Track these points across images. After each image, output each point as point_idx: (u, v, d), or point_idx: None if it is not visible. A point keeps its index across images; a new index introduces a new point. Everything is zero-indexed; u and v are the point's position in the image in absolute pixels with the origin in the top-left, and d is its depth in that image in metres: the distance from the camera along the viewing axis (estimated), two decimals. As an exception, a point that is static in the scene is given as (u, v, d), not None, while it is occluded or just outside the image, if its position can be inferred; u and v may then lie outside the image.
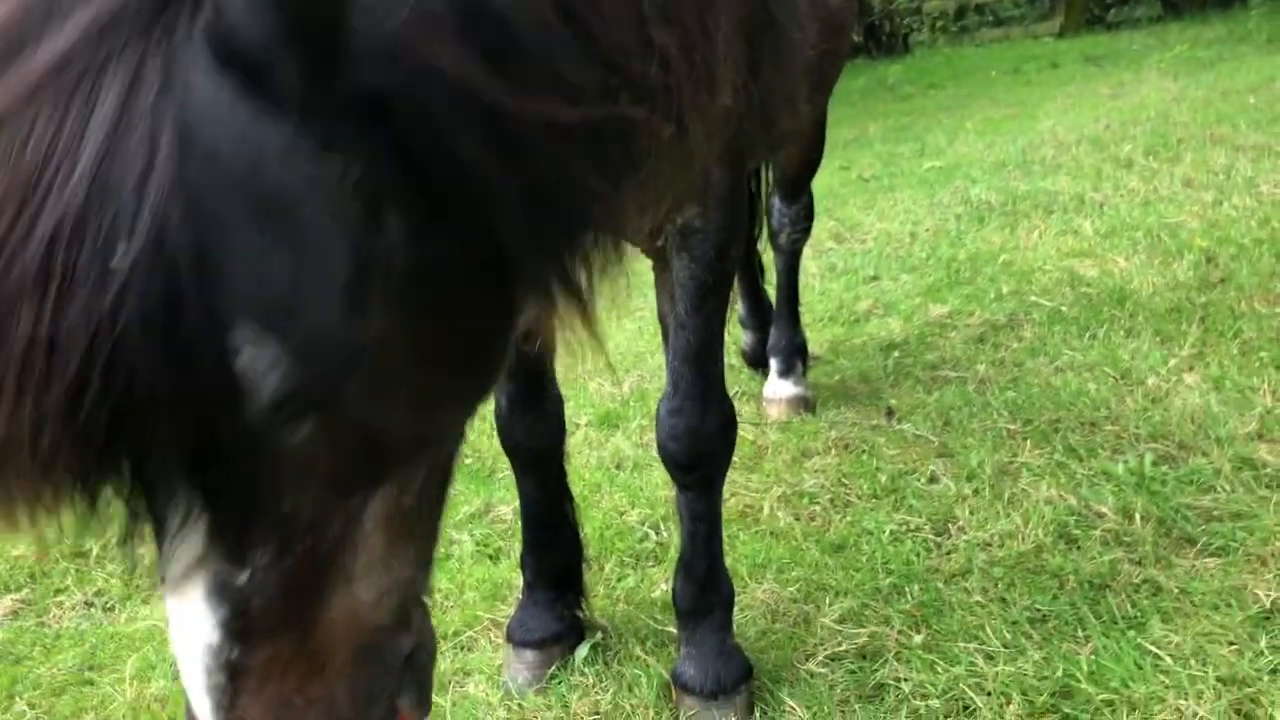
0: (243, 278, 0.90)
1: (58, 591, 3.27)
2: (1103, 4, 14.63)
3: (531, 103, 1.04)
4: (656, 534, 3.20)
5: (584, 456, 3.78)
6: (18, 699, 2.75)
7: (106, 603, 3.19)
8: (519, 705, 2.52)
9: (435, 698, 2.53)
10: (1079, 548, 2.86)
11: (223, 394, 0.92)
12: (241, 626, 1.08)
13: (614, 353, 4.80)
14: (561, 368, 2.67)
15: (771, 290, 4.34)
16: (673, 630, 2.63)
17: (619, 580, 3.01)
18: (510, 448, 2.61)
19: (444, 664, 2.68)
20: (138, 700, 2.68)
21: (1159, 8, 14.27)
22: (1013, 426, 3.58)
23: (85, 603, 3.20)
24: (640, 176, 1.41)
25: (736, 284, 4.28)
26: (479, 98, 0.99)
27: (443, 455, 1.28)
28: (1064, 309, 4.60)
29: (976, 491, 3.21)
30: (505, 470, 3.77)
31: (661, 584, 2.94)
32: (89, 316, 0.86)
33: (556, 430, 2.61)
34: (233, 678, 1.09)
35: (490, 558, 3.21)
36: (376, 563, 1.16)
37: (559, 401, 2.61)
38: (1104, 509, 2.98)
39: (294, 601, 1.09)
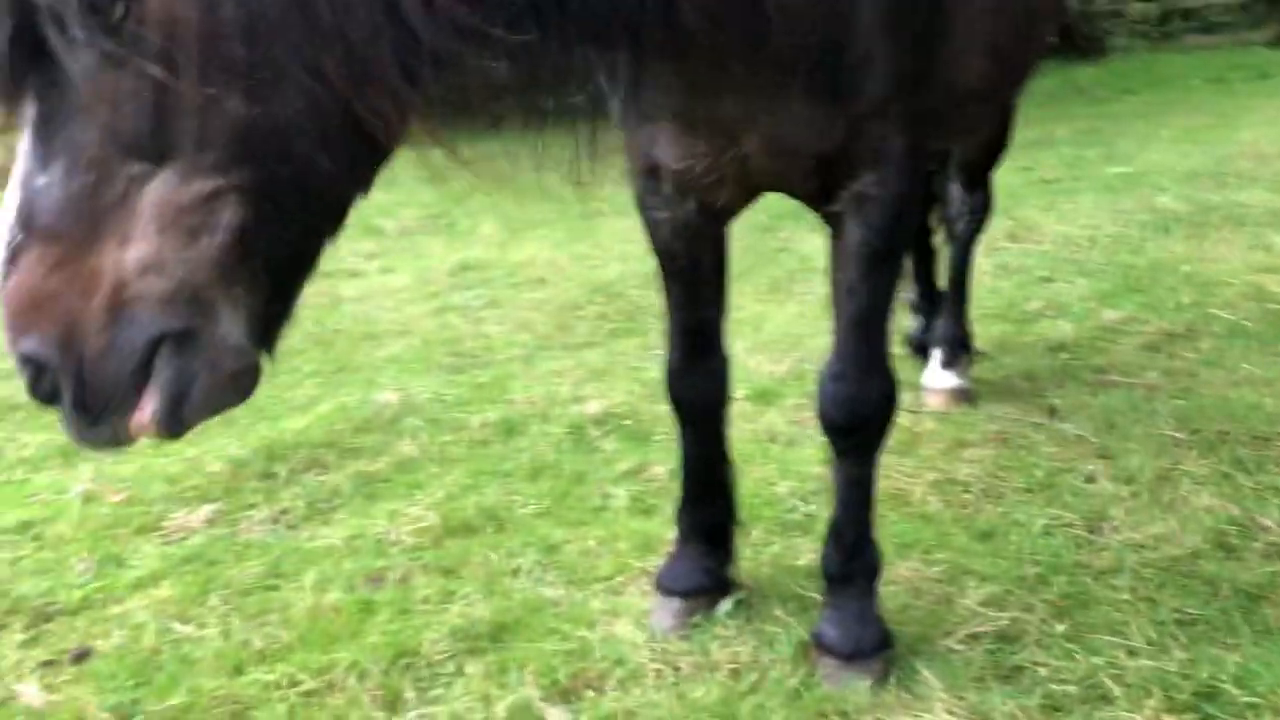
0: None
1: (248, 506, 3.57)
2: (1323, 14, 13.80)
3: None
4: (804, 505, 3.28)
5: (738, 429, 3.85)
6: (212, 595, 3.03)
7: (290, 520, 3.47)
8: (663, 648, 2.64)
9: (585, 633, 2.70)
10: (1237, 557, 2.81)
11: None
12: (26, 219, 1.40)
13: (773, 332, 4.88)
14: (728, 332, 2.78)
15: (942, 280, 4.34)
16: (815, 596, 2.71)
17: (765, 546, 3.10)
18: (675, 401, 2.73)
19: (595, 604, 2.83)
20: (315, 608, 2.92)
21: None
22: (1179, 435, 3.51)
23: (272, 519, 3.48)
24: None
25: (908, 266, 4.31)
26: None
27: (263, 188, 1.43)
28: (1247, 324, 4.45)
29: (1134, 494, 3.18)
30: (661, 433, 3.91)
31: (807, 553, 3.02)
32: None
33: (721, 390, 2.71)
34: (10, 255, 1.41)
35: (643, 513, 3.34)
36: (149, 238, 1.38)
37: (725, 362, 2.71)
38: (1269, 522, 2.91)
39: (71, 225, 1.38)
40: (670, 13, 1.69)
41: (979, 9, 2.34)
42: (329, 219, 1.55)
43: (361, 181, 1.57)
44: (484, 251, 7.04)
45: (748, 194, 2.47)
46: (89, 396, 1.44)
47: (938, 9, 2.10)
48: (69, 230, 1.39)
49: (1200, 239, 5.70)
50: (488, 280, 6.33)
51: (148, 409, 1.49)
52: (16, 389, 4.75)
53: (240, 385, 1.54)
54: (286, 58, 1.37)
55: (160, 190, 1.39)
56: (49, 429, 4.32)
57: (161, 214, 1.38)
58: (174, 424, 1.50)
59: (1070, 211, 6.65)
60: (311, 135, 1.42)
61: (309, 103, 1.40)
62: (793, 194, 2.43)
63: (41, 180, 1.40)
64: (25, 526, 3.48)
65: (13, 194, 1.43)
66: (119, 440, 1.52)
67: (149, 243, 1.39)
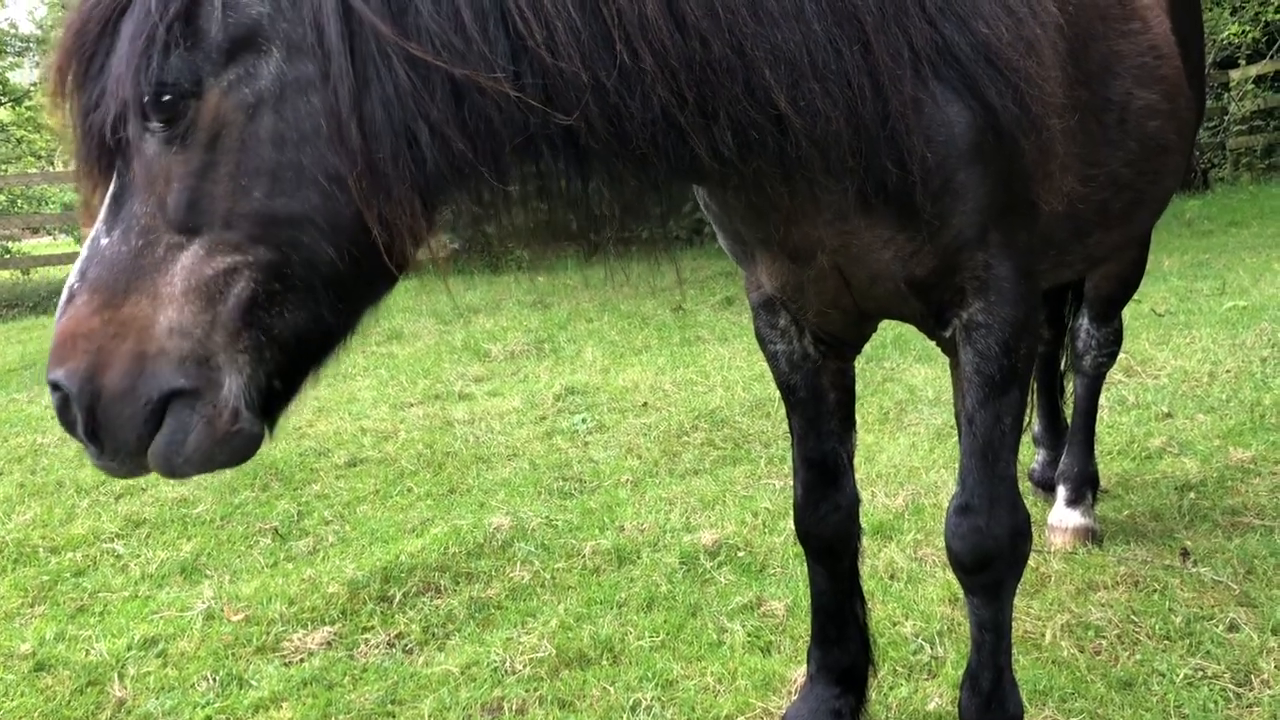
0: None
1: (364, 629, 3.59)
2: None
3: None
4: (931, 648, 3.18)
5: (856, 563, 3.80)
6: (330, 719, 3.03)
7: (406, 645, 3.47)
8: (790, 794, 2.55)
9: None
10: (1405, 720, 2.63)
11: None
12: (83, 267, 1.64)
13: (887, 465, 4.82)
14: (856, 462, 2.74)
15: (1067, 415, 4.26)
16: (947, 744, 2.61)
17: (891, 689, 3.01)
18: (802, 535, 2.70)
19: (717, 744, 2.76)
20: (433, 737, 2.90)
21: None
22: (1326, 583, 3.34)
23: (388, 643, 3.49)
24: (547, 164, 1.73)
25: (1034, 400, 4.23)
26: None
27: (277, 267, 1.62)
28: (1387, 466, 4.26)
29: (1284, 646, 3.02)
30: (777, 565, 3.86)
31: (935, 698, 2.92)
32: None
33: (849, 523, 2.67)
34: (67, 298, 1.65)
35: (761, 649, 3.27)
36: (175, 301, 1.59)
37: (854, 496, 2.67)
38: None
39: (117, 279, 1.60)
40: (682, 150, 1.75)
41: (1092, 140, 2.35)
42: (336, 312, 1.70)
43: (370, 282, 1.71)
44: (588, 376, 7.12)
45: (858, 323, 2.47)
46: (102, 432, 1.63)
47: (1039, 145, 2.08)
48: (114, 283, 1.62)
49: (1328, 376, 5.52)
50: (593, 405, 6.39)
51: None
52: (142, 504, 4.91)
53: (234, 446, 1.68)
54: (311, 164, 1.59)
55: (190, 259, 1.61)
56: (171, 545, 4.44)
57: (187, 280, 1.61)
58: (167, 467, 1.66)
59: (1186, 345, 6.50)
60: (323, 230, 1.62)
61: (324, 202, 1.61)
62: (905, 321, 2.43)
63: (105, 241, 1.65)
64: (150, 643, 3.54)
65: (83, 251, 1.69)
66: (130, 473, 1.70)
67: (175, 305, 1.61)
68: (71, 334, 1.61)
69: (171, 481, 5.23)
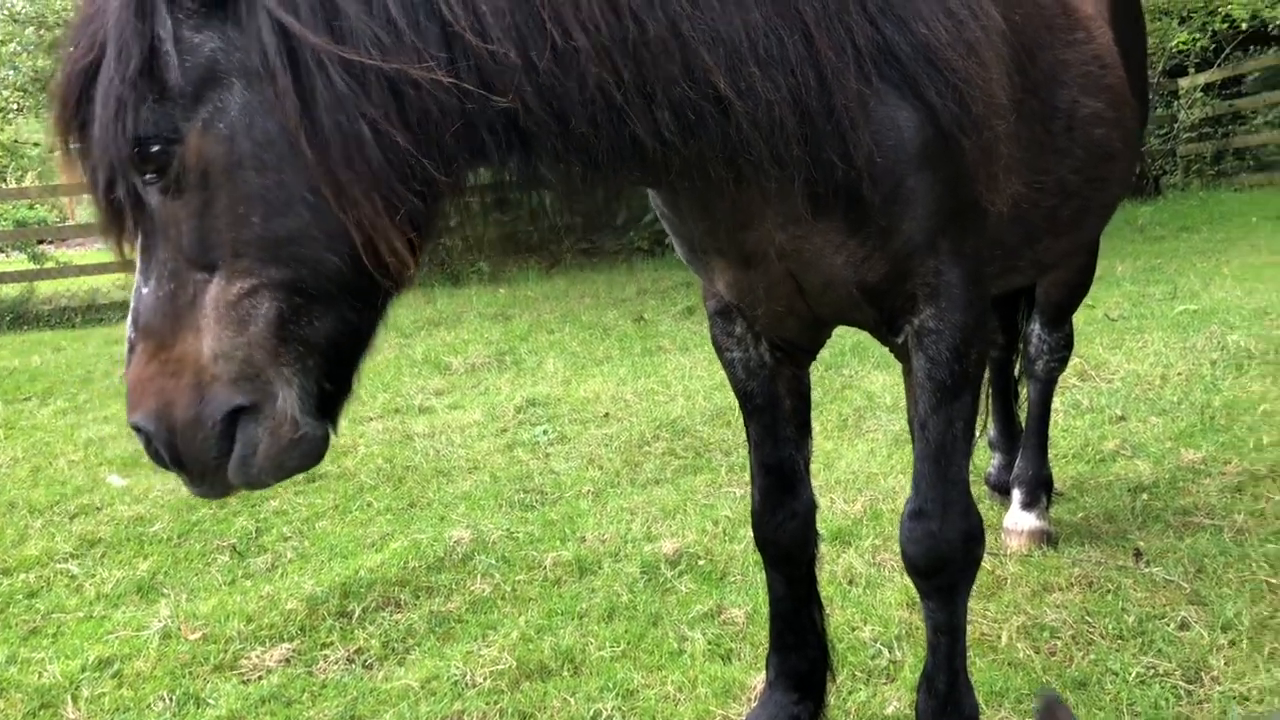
0: None
1: (323, 646, 3.56)
2: (1380, 152, 13.83)
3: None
4: (890, 652, 3.20)
5: (816, 569, 3.83)
6: (289, 737, 3.01)
7: (366, 660, 3.45)
8: (750, 801, 2.56)
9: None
10: (1351, 712, 2.68)
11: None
12: (134, 318, 1.76)
13: (845, 471, 4.85)
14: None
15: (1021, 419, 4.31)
16: (906, 747, 2.63)
17: (849, 694, 3.03)
18: (760, 541, 2.71)
19: (678, 752, 2.77)
20: (393, 751, 2.89)
21: None
22: (1274, 580, 3.41)
23: (348, 658, 3.46)
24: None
25: (989, 404, 4.28)
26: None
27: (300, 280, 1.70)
28: (1333, 465, 4.35)
29: (1233, 643, 3.07)
30: (738, 573, 3.87)
31: (894, 701, 2.94)
32: None
33: (806, 530, 2.69)
34: (129, 349, 1.77)
35: (722, 657, 3.28)
36: (213, 330, 1.70)
37: (811, 503, 2.69)
38: (1380, 675, 2.79)
39: (162, 323, 1.72)
40: (622, 130, 1.78)
41: (1040, 148, 2.39)
42: (359, 311, 1.78)
43: (378, 281, 1.75)
44: (549, 388, 7.12)
45: (812, 329, 2.50)
46: (185, 460, 1.75)
47: (982, 147, 2.10)
48: (161, 327, 1.73)
49: (1276, 377, 5.62)
50: (554, 416, 6.39)
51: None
52: (97, 523, 4.84)
53: (302, 450, 1.79)
54: (292, 182, 1.66)
55: (215, 291, 1.70)
56: (127, 565, 4.38)
57: (218, 310, 1.70)
58: (244, 479, 1.78)
59: (1139, 349, 6.60)
60: (322, 241, 1.69)
61: (314, 215, 1.67)
62: (859, 327, 2.46)
63: (145, 290, 1.75)
64: (105, 664, 3.49)
65: (131, 302, 1.81)
66: (222, 493, 1.84)
67: (214, 334, 1.70)
68: (138, 381, 1.74)
69: (128, 503, 5.18)
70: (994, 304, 3.70)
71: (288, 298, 1.69)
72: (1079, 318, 7.49)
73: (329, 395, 1.80)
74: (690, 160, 1.89)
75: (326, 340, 1.75)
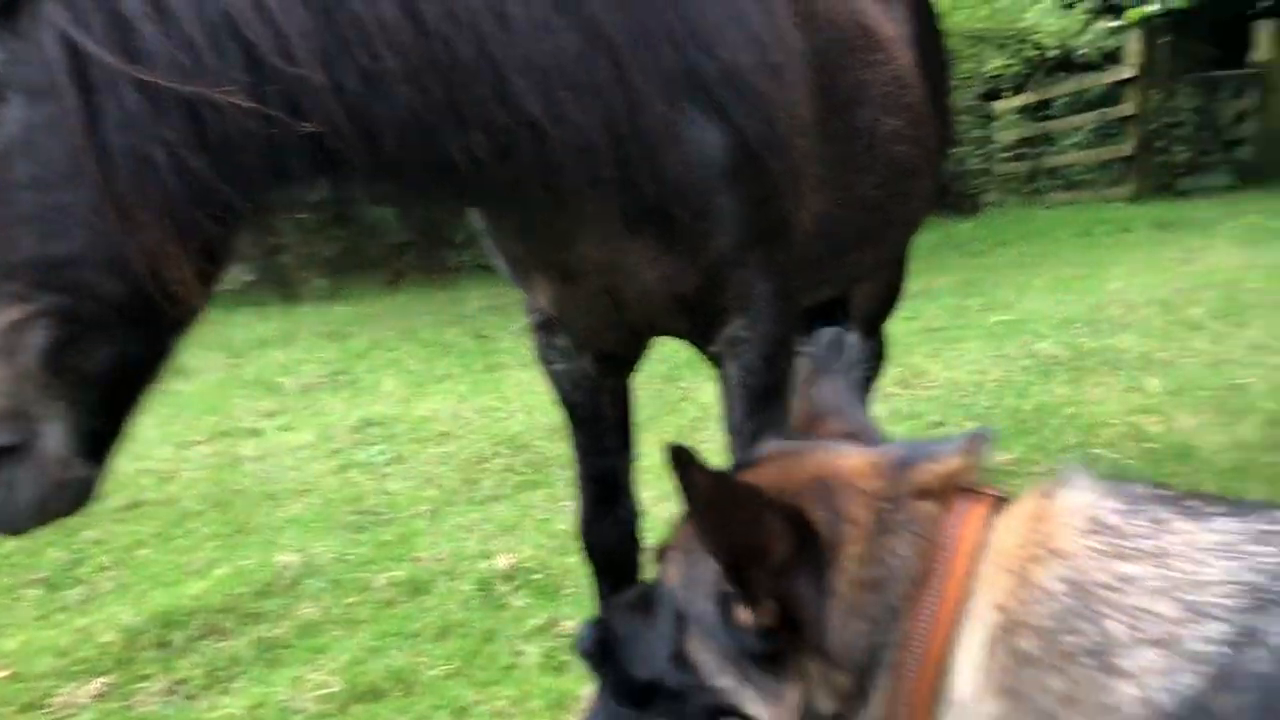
0: None
1: (142, 678, 3.42)
2: (1173, 172, 14.86)
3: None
4: (718, 655, 3.27)
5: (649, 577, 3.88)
6: (102, 775, 2.88)
7: (188, 691, 3.33)
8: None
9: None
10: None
11: None
12: None
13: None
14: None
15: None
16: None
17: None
18: (587, 550, 2.75)
19: (509, 766, 2.77)
20: (214, 783, 2.80)
21: (1230, 177, 14.47)
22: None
23: (168, 690, 3.33)
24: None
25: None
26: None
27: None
28: (1130, 463, 4.65)
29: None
30: (571, 587, 3.89)
31: None
32: None
33: (629, 537, 2.73)
34: None
35: (555, 670, 3.30)
36: None
37: (634, 510, 2.74)
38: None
39: None
40: (434, 152, 1.80)
41: (844, 165, 2.51)
42: (142, 344, 1.70)
43: (164, 311, 1.68)
44: (387, 407, 7.01)
45: (632, 340, 2.55)
46: None
47: (787, 165, 2.21)
48: None
49: (1079, 382, 5.99)
50: (391, 436, 6.29)
51: None
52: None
53: (70, 494, 1.69)
54: (73, 203, 1.58)
55: None
56: (-75, 603, 4.11)
57: None
58: (7, 525, 1.68)
59: (956, 358, 6.93)
60: (103, 266, 1.60)
61: (96, 238, 1.58)
62: (678, 337, 2.53)
63: None
64: (-103, 710, 3.28)
65: None
66: None
67: None
68: None
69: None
70: (811, 314, 3.85)
71: (63, 326, 1.59)
72: (901, 329, 7.82)
73: (101, 435, 1.70)
74: (505, 181, 1.92)
75: (104, 374, 1.65)
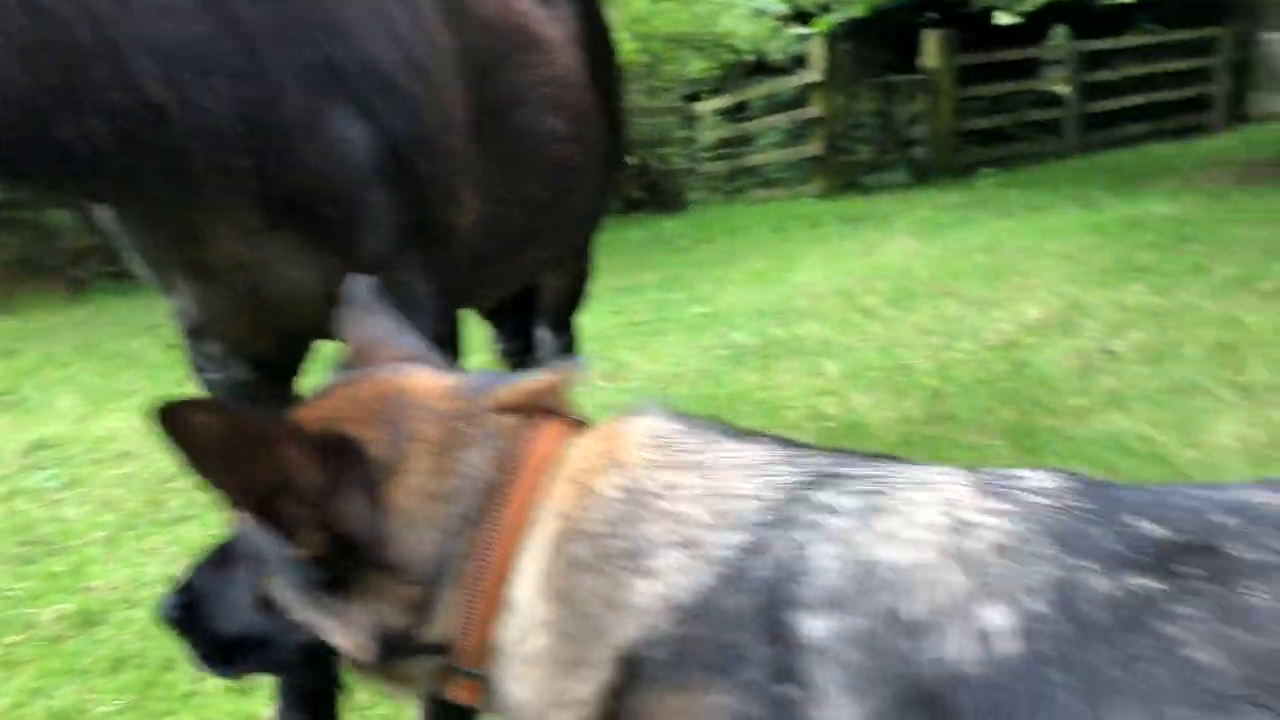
0: None
1: None
2: (858, 170, 15.96)
3: None
4: (412, 661, 3.23)
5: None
6: None
7: None
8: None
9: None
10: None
11: None
12: None
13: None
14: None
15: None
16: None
17: (371, 708, 3.02)
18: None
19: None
20: None
21: (907, 175, 15.70)
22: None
23: None
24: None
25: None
26: None
27: None
28: (808, 441, 4.96)
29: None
30: (262, 605, 3.73)
31: (411, 709, 2.97)
32: None
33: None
34: None
35: (240, 692, 3.14)
36: None
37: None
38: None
39: None
40: (49, 138, 1.72)
41: (505, 163, 2.54)
42: None
43: None
44: (61, 427, 6.47)
45: (287, 345, 2.46)
46: None
47: (438, 165, 2.21)
48: None
49: (768, 369, 6.33)
50: (66, 459, 5.81)
51: None
52: None
53: None
54: None
55: None
56: None
57: None
58: None
59: (659, 351, 7.16)
60: None
61: None
62: (335, 341, 2.47)
63: None
64: None
65: None
66: None
67: None
68: None
69: None
70: (503, 311, 3.87)
71: None
72: (608, 324, 8.02)
73: None
74: (129, 169, 1.81)
75: None
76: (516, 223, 2.70)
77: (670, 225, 14.51)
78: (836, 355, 6.40)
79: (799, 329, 7.15)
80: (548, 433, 1.36)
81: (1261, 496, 1.10)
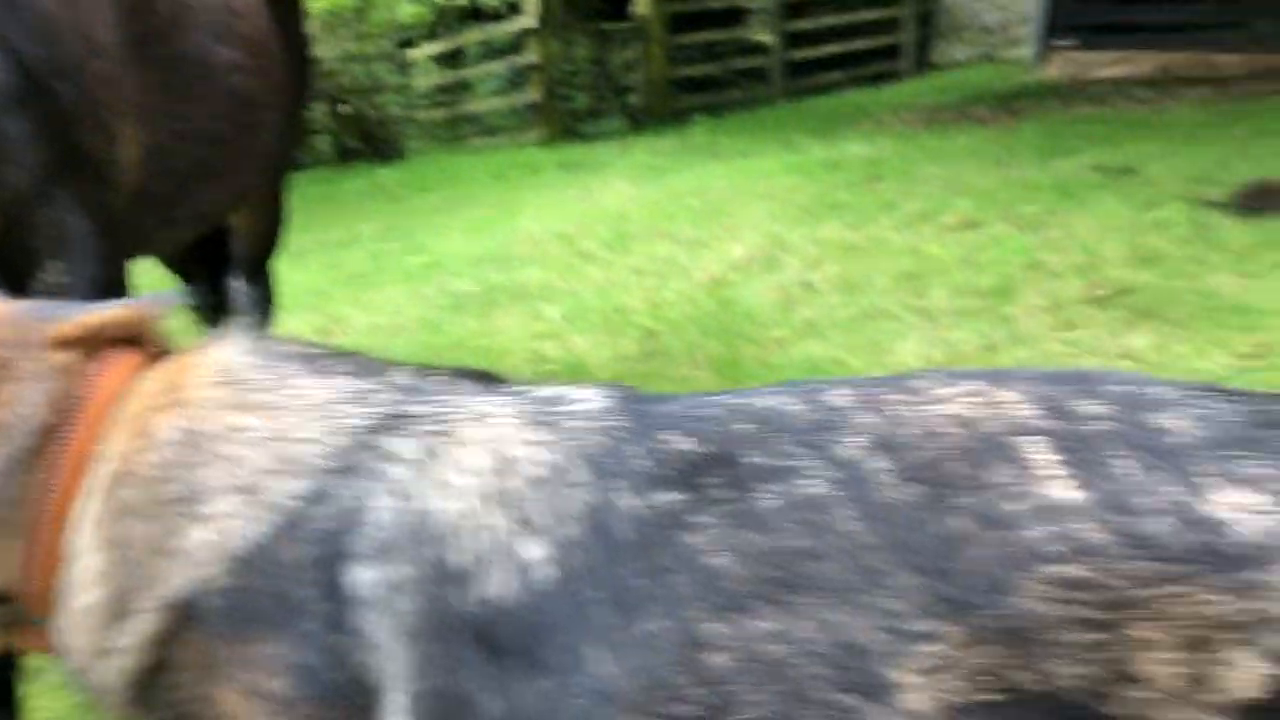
0: None
1: None
2: (576, 117, 16.06)
3: None
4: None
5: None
6: None
7: None
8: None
9: None
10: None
11: None
12: None
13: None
14: None
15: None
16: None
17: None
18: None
19: None
20: None
21: (623, 122, 15.95)
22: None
23: None
24: None
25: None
26: None
27: None
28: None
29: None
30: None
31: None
32: None
33: None
34: None
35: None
36: None
37: None
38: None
39: None
40: None
41: (173, 93, 2.38)
42: None
43: None
44: None
45: None
46: None
47: (82, 92, 2.05)
48: None
49: (488, 316, 6.31)
50: None
51: None
52: None
53: None
54: None
55: None
56: None
57: None
58: None
59: (377, 302, 6.99)
60: None
61: None
62: None
63: None
64: None
65: None
66: None
67: None
68: None
69: None
70: (191, 259, 3.64)
71: None
72: (322, 278, 7.75)
73: None
74: None
75: None
76: (190, 157, 2.54)
77: (388, 175, 14.15)
78: (556, 299, 6.45)
79: (520, 275, 7.15)
80: (116, 369, 1.28)
81: (786, 402, 1.18)
